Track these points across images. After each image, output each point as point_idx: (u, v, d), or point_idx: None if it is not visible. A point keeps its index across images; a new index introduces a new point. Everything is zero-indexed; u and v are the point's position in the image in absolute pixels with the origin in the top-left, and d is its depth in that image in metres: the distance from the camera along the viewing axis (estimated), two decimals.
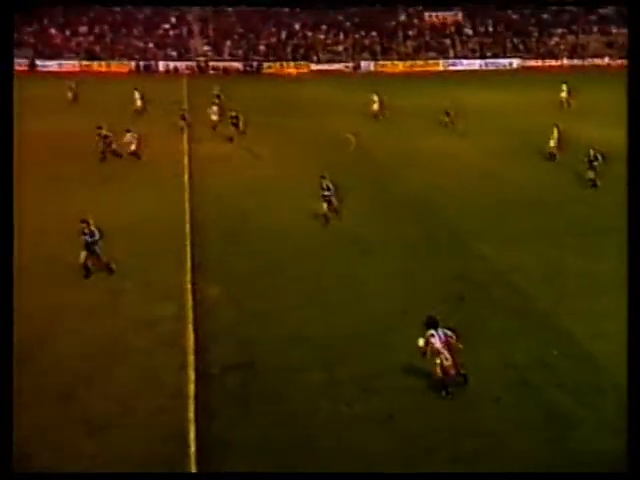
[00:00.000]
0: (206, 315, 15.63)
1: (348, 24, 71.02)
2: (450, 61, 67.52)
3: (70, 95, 42.51)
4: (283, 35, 68.45)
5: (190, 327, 14.96)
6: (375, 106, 38.57)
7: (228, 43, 66.69)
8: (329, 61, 65.62)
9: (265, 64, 64.19)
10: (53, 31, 64.51)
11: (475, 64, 65.30)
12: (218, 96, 38.60)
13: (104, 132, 28.89)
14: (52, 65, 60.37)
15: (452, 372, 12.12)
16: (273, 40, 67.83)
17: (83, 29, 65.39)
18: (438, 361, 12.06)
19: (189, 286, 16.99)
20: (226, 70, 62.74)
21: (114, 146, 28.83)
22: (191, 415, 11.83)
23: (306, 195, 22.86)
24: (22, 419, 11.77)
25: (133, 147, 28.65)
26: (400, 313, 15.58)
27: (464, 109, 37.46)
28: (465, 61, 66.72)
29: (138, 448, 11.08)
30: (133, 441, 11.27)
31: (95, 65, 61.71)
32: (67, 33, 64.66)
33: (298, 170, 27.91)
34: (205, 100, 38.04)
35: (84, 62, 61.59)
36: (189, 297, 16.42)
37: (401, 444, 11.20)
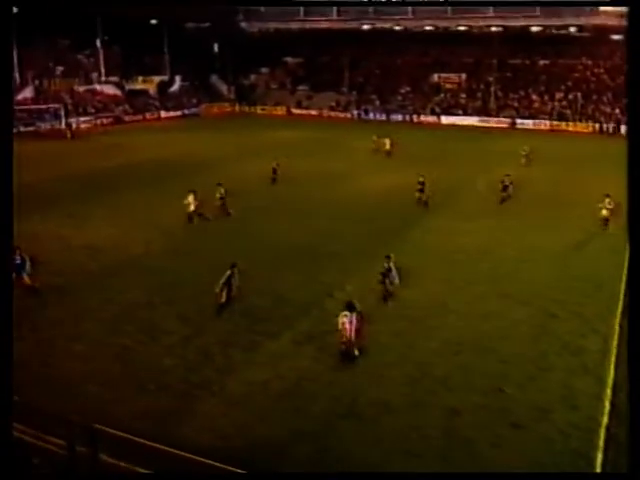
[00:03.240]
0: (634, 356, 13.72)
1: None
2: None
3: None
4: None
5: (612, 364, 13.37)
6: None
7: None
8: None
9: None
10: (534, 97, 65.19)
11: None
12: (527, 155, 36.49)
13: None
14: (529, 123, 61.01)
15: (351, 348, 12.56)
16: None
17: (559, 95, 64.32)
18: (343, 338, 12.48)
19: (617, 327, 15.17)
20: None
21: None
22: (600, 443, 10.62)
23: None
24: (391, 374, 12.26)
25: (192, 207, 22.81)
26: None
27: None
28: None
29: (551, 451, 10.47)
30: (548, 445, 10.70)
31: (563, 125, 60.02)
32: (545, 98, 64.56)
33: None
34: None
35: (554, 122, 60.55)
36: (615, 336, 14.67)
37: None
